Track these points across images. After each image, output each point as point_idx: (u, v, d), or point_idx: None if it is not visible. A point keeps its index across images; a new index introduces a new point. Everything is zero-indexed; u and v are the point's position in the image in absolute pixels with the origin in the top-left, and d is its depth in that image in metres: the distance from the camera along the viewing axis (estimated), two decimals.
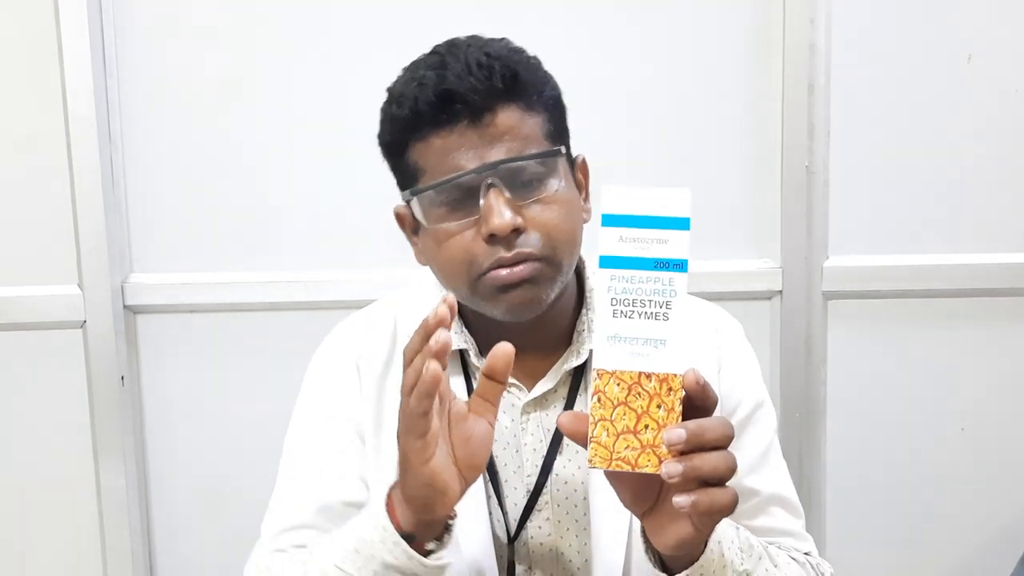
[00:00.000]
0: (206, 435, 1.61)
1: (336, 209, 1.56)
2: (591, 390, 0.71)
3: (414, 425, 0.73)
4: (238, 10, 1.52)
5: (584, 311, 0.97)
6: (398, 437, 0.75)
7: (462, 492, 0.77)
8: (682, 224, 0.72)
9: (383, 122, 0.93)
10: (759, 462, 0.97)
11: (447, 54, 0.88)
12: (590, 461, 0.71)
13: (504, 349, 0.75)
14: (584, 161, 0.97)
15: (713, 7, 1.52)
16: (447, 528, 0.80)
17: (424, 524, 0.78)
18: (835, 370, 1.59)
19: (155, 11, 1.53)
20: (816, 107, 1.51)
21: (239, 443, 1.60)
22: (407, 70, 0.91)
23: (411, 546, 0.77)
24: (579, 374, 0.96)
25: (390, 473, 0.84)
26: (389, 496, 0.80)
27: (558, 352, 0.96)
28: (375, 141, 1.57)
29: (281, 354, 1.57)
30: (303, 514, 0.95)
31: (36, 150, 1.54)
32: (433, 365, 0.70)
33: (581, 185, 0.95)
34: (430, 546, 0.79)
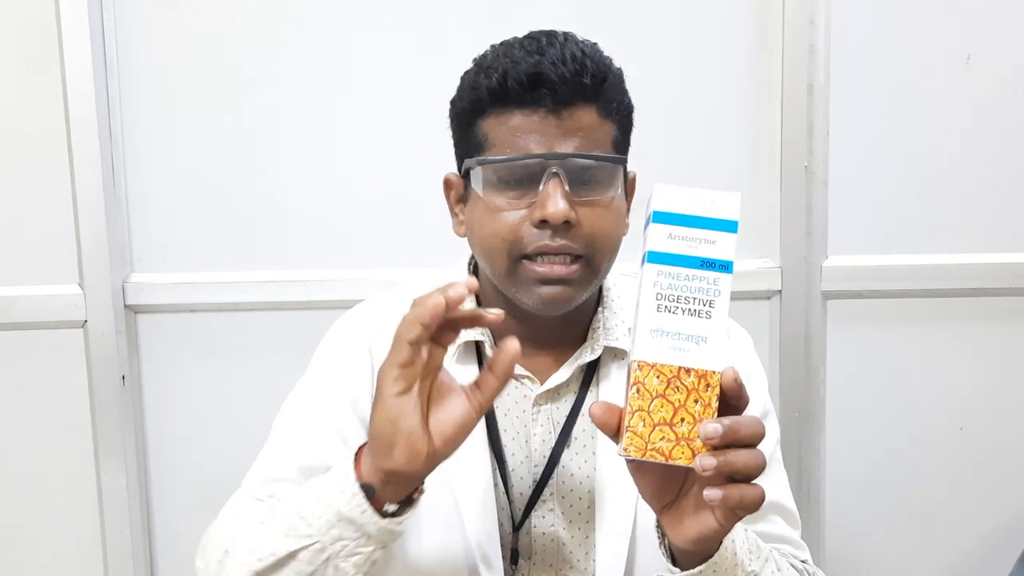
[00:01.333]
0: (207, 434, 1.61)
1: (337, 209, 1.56)
2: (630, 380, 0.72)
3: (398, 350, 0.73)
4: (239, 10, 1.53)
5: (600, 309, 1.00)
6: (380, 366, 0.75)
7: (429, 456, 0.74)
8: (731, 227, 0.75)
9: (463, 89, 0.94)
10: None
11: (544, 41, 0.91)
12: (625, 450, 0.72)
13: (512, 346, 0.74)
14: (634, 179, 1.00)
15: (713, 8, 1.52)
16: (411, 500, 0.79)
17: (385, 476, 0.76)
18: (834, 370, 1.59)
19: (156, 11, 1.53)
20: (815, 107, 1.51)
21: (240, 442, 1.59)
22: (499, 47, 0.94)
23: (370, 501, 0.76)
24: (591, 370, 0.98)
25: None
26: (360, 449, 0.79)
27: (572, 347, 0.98)
28: (376, 141, 1.58)
29: (282, 354, 1.57)
30: (285, 470, 0.97)
31: (37, 150, 1.54)
32: (437, 297, 0.71)
33: (627, 199, 0.98)
34: (390, 508, 0.78)
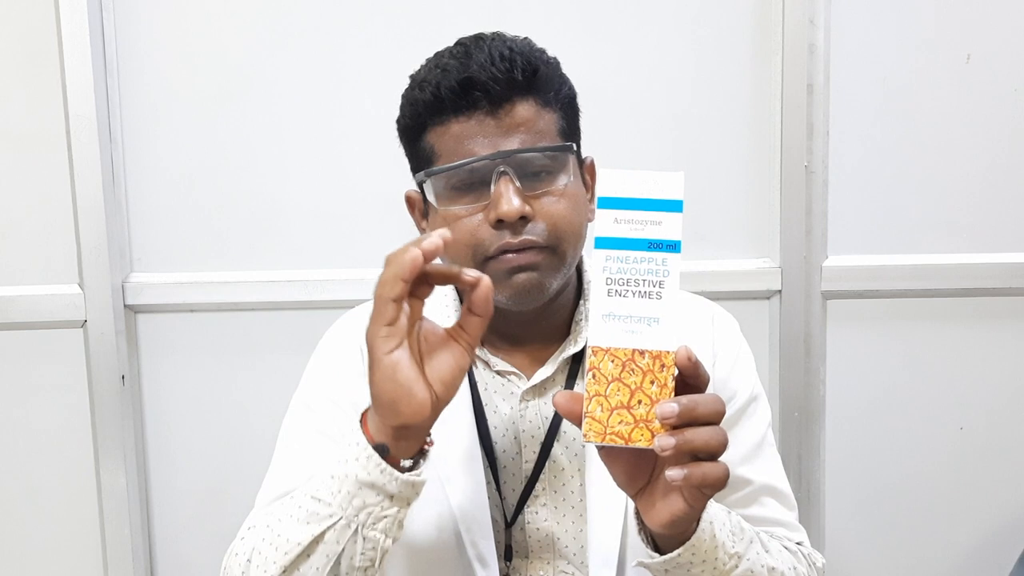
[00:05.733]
0: (206, 434, 1.61)
1: (336, 209, 1.56)
2: (586, 367, 0.73)
3: (381, 311, 0.74)
4: (239, 10, 1.53)
5: (582, 302, 1.01)
6: (366, 331, 0.76)
7: (433, 405, 0.76)
8: (675, 206, 0.73)
9: (404, 106, 0.95)
10: (752, 453, 1.00)
11: (472, 45, 0.91)
12: (585, 436, 0.72)
13: (484, 280, 0.76)
14: (592, 163, 1.00)
15: (712, 7, 1.52)
16: (423, 453, 0.80)
17: (395, 433, 0.77)
18: (834, 370, 1.59)
19: (156, 10, 1.53)
20: (815, 107, 1.51)
21: (239, 442, 1.60)
22: (431, 59, 0.94)
23: (386, 459, 0.77)
24: (577, 362, 0.99)
25: None
26: (364, 413, 0.80)
27: (557, 342, 0.99)
28: (376, 141, 1.58)
29: (281, 353, 1.57)
30: (294, 483, 0.97)
31: (37, 149, 1.54)
32: (413, 251, 0.72)
33: (587, 186, 0.98)
34: (405, 463, 0.78)
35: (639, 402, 0.71)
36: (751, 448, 1.00)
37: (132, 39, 1.53)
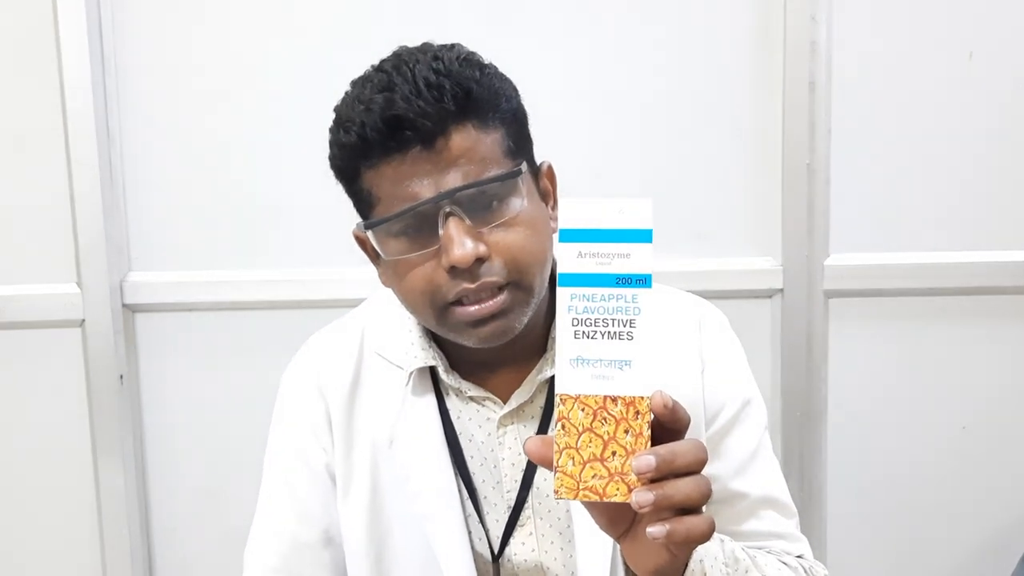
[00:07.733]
0: (205, 433, 1.61)
1: (336, 207, 1.55)
2: (555, 416, 0.67)
3: None
4: (238, 7, 1.52)
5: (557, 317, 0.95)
6: None
7: None
8: (644, 236, 0.67)
9: (332, 145, 0.88)
10: (746, 464, 0.95)
11: (394, 72, 0.82)
12: (556, 492, 0.67)
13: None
14: (550, 168, 0.92)
15: (714, 5, 1.51)
16: None
17: None
18: (836, 368, 1.58)
19: (154, 8, 1.52)
20: (817, 105, 1.51)
21: (238, 442, 1.60)
22: (352, 90, 0.86)
23: None
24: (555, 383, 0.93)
25: (359, 509, 0.90)
26: None
27: (532, 361, 0.92)
28: None
29: (280, 353, 1.54)
30: (274, 557, 0.95)
31: (34, 147, 1.53)
32: None
33: (548, 193, 0.91)
34: None
35: (613, 453, 0.66)
36: (745, 459, 0.94)
37: (130, 38, 1.53)
